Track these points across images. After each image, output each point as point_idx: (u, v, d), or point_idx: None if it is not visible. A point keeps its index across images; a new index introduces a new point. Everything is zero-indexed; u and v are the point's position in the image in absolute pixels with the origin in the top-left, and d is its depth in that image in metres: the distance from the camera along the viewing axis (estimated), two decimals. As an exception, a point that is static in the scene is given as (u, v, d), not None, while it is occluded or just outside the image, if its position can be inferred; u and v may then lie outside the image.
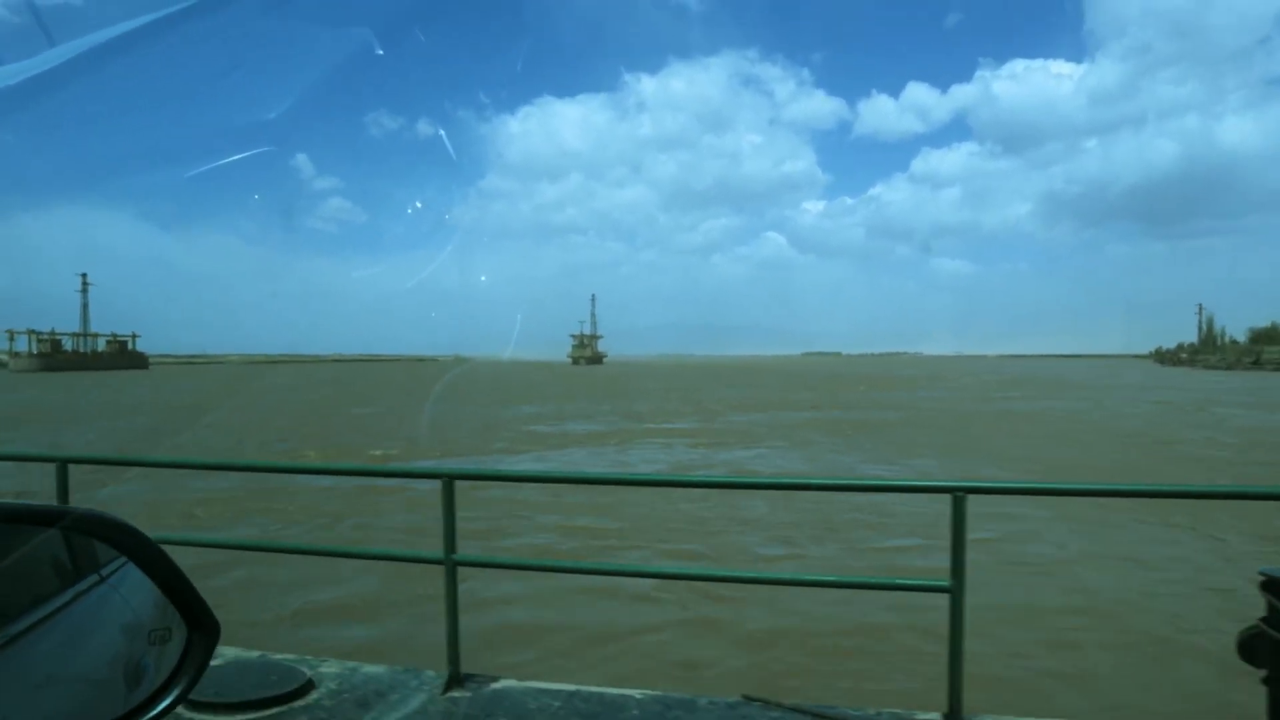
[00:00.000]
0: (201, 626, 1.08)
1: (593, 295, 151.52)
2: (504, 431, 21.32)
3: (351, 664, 3.06)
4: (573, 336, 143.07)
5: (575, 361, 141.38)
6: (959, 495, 2.17)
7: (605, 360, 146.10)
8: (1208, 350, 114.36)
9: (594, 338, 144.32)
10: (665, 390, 50.43)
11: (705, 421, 24.77)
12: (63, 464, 2.78)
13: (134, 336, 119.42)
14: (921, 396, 39.57)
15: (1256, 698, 1.99)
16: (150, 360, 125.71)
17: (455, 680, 2.63)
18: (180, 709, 1.01)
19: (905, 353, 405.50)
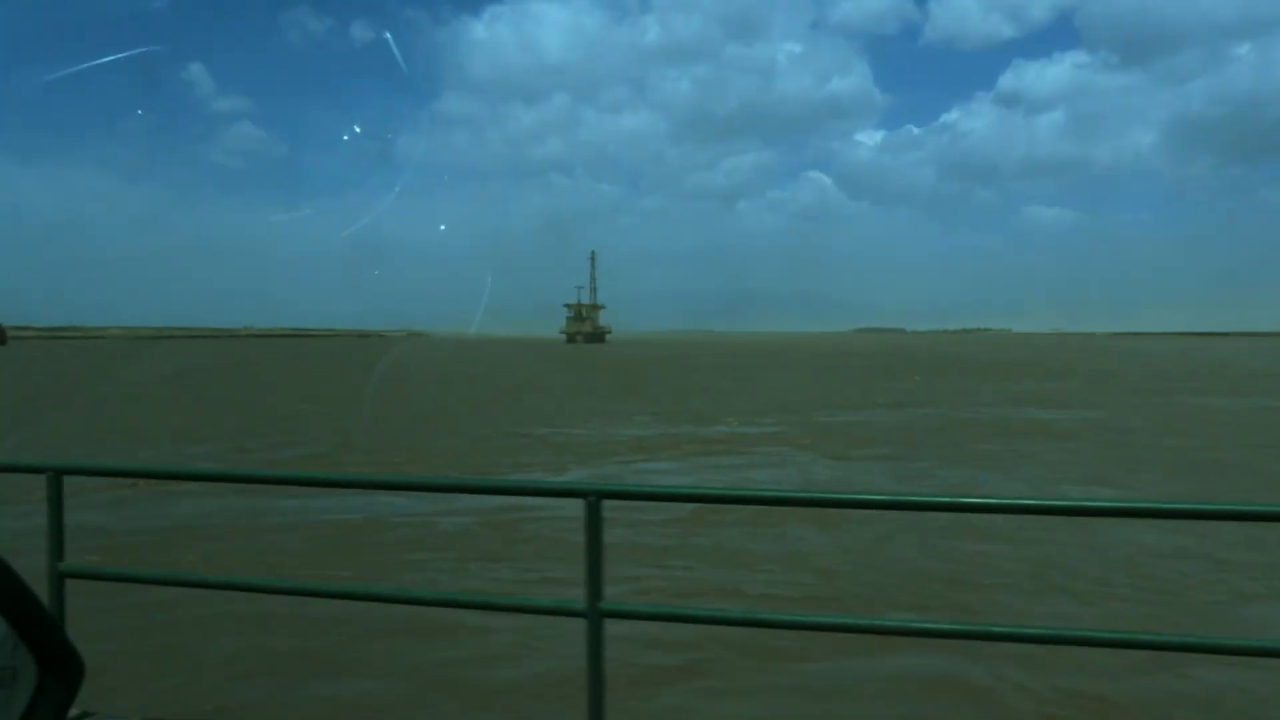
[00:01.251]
0: (57, 668, 1.11)
1: (592, 253, 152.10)
2: (514, 439, 20.88)
3: None
4: (567, 307, 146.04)
5: (570, 338, 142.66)
6: None
7: (609, 337, 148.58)
8: None
9: (594, 308, 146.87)
10: (713, 374, 51.57)
11: (799, 423, 24.48)
12: (56, 474, 2.94)
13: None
14: (1077, 392, 38.70)
15: None
16: (8, 333, 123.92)
17: None
18: None
19: (987, 329, 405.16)
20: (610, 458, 17.98)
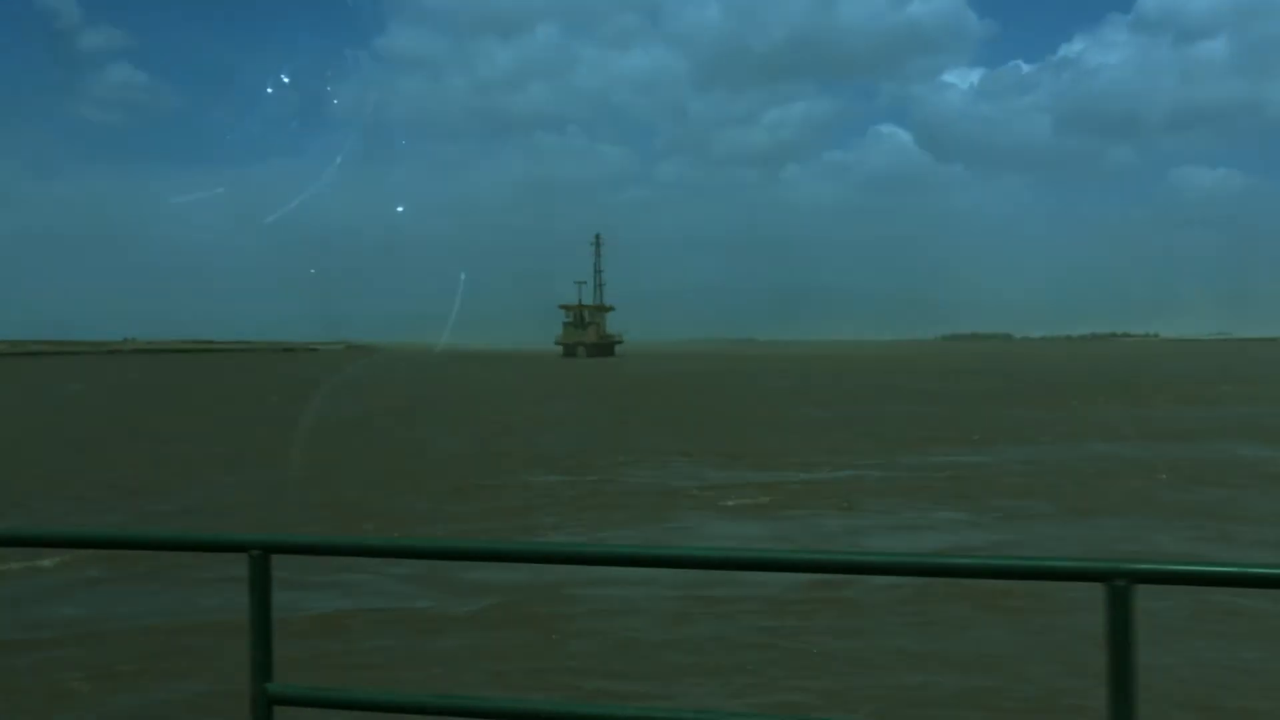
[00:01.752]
0: None
1: (596, 238, 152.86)
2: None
3: None
4: (564, 310, 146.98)
5: (569, 351, 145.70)
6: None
7: (619, 349, 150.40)
8: None
9: (600, 311, 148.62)
10: (781, 400, 54.47)
11: (915, 467, 25.55)
12: (263, 553, 3.11)
13: None
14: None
15: None
16: None
17: None
18: None
19: (1126, 334, 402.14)
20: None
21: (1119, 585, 2.74)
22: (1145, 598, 2.73)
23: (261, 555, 3.11)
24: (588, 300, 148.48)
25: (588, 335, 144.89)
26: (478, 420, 42.74)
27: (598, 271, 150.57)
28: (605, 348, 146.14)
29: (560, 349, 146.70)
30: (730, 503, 21.19)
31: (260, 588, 3.21)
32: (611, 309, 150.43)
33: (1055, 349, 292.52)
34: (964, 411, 45.43)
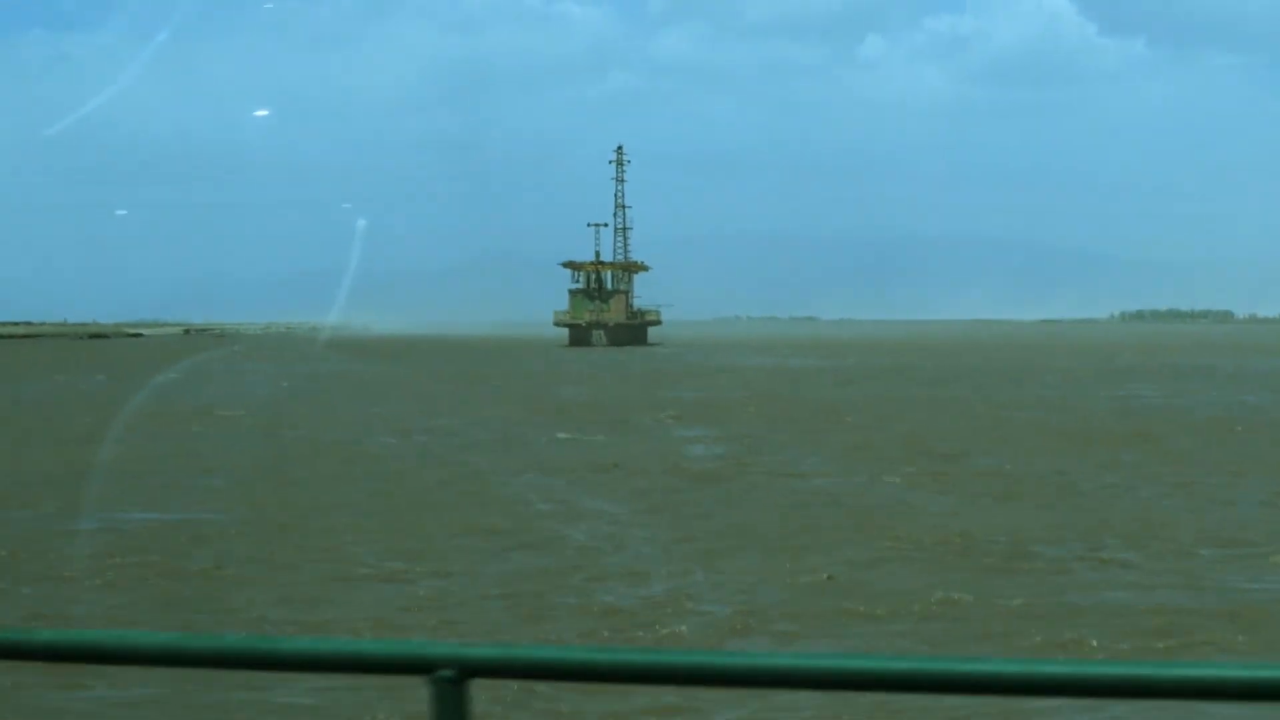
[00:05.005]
0: None
1: (617, 151, 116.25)
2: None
3: None
4: (570, 269, 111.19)
5: (579, 334, 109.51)
6: None
7: (655, 332, 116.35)
8: None
9: (627, 271, 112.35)
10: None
11: None
12: (457, 677, 2.61)
13: None
14: None
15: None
16: None
17: None
18: None
19: None
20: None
21: (444, 678, 2.57)
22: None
23: (455, 678, 2.55)
24: (605, 254, 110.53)
25: (609, 311, 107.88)
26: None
27: (621, 208, 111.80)
28: (635, 330, 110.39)
29: (566, 329, 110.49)
30: None
31: None
32: (645, 268, 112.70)
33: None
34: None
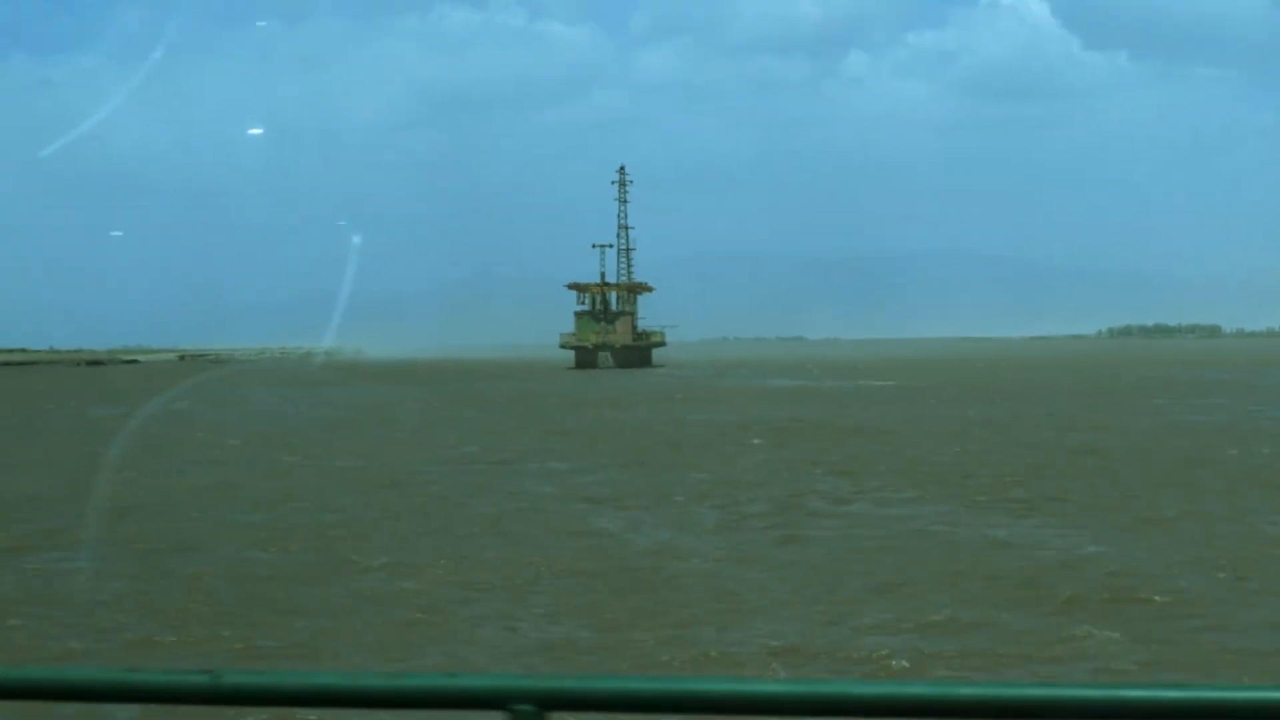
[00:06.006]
0: None
1: (620, 171, 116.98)
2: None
3: None
4: (575, 290, 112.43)
5: (585, 359, 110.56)
6: None
7: (659, 354, 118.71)
8: None
9: (631, 290, 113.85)
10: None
11: None
12: (535, 713, 2.59)
13: None
14: None
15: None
16: None
17: None
18: None
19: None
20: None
21: (523, 712, 2.55)
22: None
23: (532, 713, 2.56)
24: (608, 275, 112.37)
25: (615, 334, 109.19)
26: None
27: (623, 229, 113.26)
28: (641, 352, 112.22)
29: (572, 351, 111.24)
30: None
31: None
32: (650, 289, 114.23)
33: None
34: None
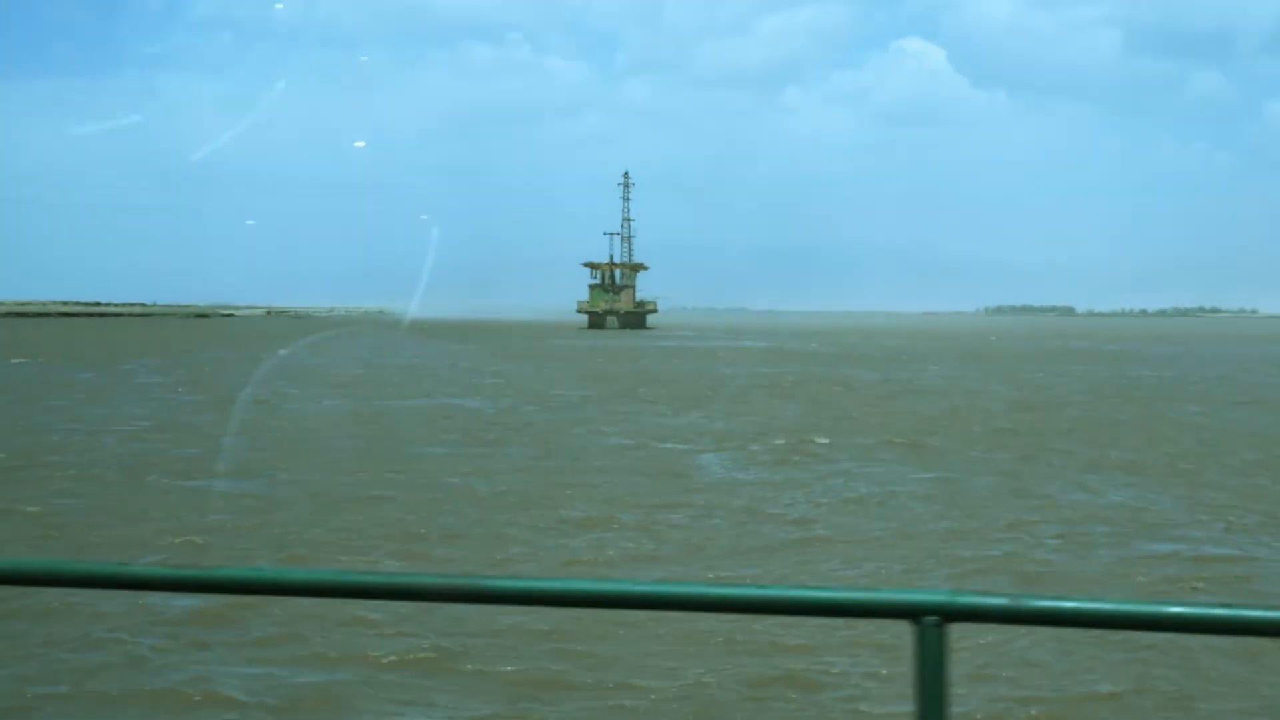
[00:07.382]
0: None
1: (624, 175, 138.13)
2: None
3: None
4: (590, 269, 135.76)
5: (595, 320, 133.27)
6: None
7: (653, 319, 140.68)
8: None
9: (632, 271, 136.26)
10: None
11: None
12: (938, 620, 2.71)
13: None
14: None
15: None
16: None
17: None
18: None
19: (1216, 310, 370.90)
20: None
21: (929, 624, 2.65)
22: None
23: (937, 625, 2.65)
24: (618, 255, 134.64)
25: (620, 302, 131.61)
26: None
27: (626, 221, 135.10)
28: (638, 317, 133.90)
29: (585, 315, 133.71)
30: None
31: (932, 663, 2.73)
32: (645, 268, 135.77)
33: (1127, 326, 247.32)
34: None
